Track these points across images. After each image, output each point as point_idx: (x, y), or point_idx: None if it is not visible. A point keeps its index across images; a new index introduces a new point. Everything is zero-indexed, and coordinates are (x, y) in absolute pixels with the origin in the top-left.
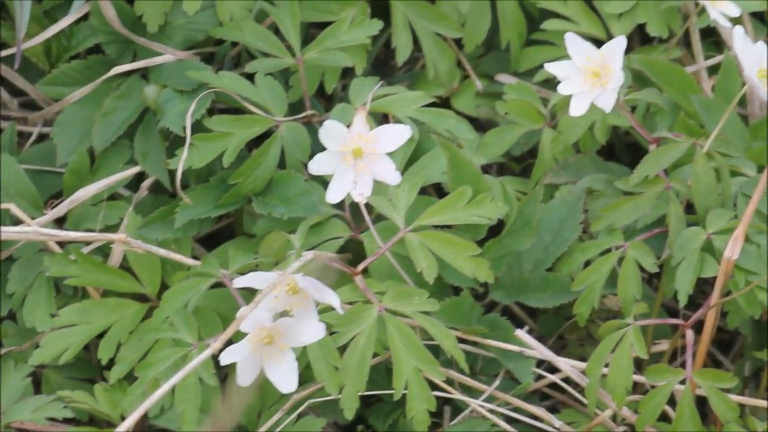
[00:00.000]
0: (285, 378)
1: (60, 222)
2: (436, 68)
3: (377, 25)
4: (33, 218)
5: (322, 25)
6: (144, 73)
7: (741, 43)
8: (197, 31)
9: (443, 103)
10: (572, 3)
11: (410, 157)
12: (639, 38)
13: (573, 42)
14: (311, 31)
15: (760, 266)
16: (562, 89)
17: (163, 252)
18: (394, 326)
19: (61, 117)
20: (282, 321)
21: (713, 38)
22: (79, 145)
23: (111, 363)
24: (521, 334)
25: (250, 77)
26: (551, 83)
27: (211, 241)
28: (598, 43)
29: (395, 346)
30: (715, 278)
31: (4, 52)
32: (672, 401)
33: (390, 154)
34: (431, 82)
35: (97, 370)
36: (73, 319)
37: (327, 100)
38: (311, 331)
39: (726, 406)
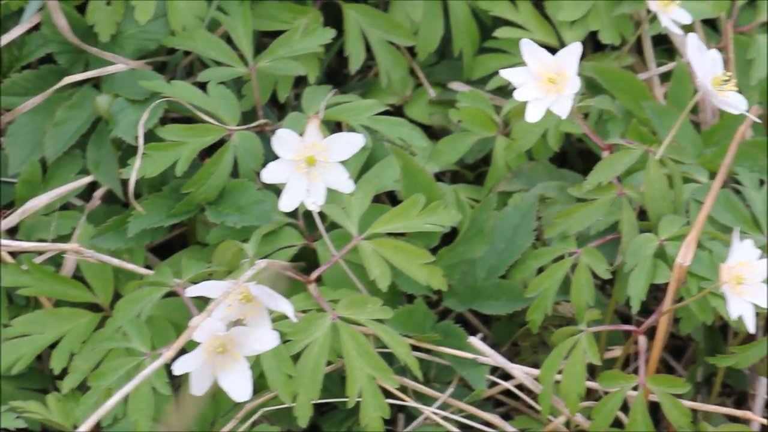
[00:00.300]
0: (238, 386)
1: (12, 232)
2: (389, 76)
3: (330, 33)
4: None
5: (275, 34)
6: (96, 83)
7: (695, 50)
8: (149, 40)
9: (396, 111)
10: (525, 11)
11: (363, 166)
12: (591, 45)
13: (528, 48)
14: (264, 39)
15: (713, 272)
16: (518, 96)
17: (115, 261)
18: (348, 334)
19: (12, 127)
20: (235, 330)
21: (665, 45)
22: (31, 155)
23: (64, 373)
24: (475, 341)
25: (203, 86)
26: (504, 91)
27: (164, 250)
28: (551, 50)
29: (349, 354)
30: (667, 284)
31: None
32: (625, 407)
33: (343, 163)
34: (384, 91)
35: (50, 380)
36: (25, 329)
37: (280, 108)
38: (264, 340)
39: (678, 411)
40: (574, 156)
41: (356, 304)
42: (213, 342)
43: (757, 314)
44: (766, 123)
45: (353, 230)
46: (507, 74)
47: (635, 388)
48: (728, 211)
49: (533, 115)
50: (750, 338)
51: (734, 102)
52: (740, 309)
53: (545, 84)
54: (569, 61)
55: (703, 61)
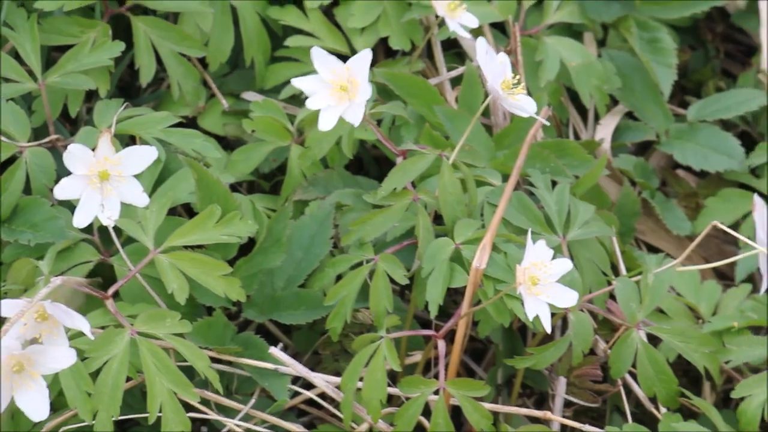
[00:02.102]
0: (36, 406)
1: None
2: (181, 88)
3: (119, 46)
4: None
5: (64, 49)
6: None
7: (483, 54)
8: None
9: (190, 122)
10: (315, 19)
11: (158, 178)
12: (383, 51)
13: (319, 56)
14: (53, 54)
15: (508, 274)
16: (310, 104)
17: None
18: (147, 349)
19: None
20: (31, 348)
21: (456, 49)
22: None
23: None
24: (275, 351)
25: None
26: (297, 99)
27: None
28: (342, 58)
29: (148, 369)
30: (464, 288)
31: None
32: (427, 411)
33: (137, 176)
34: (177, 102)
35: None
36: None
37: (72, 123)
38: (61, 358)
39: (479, 414)
40: (370, 162)
41: (155, 318)
42: (8, 361)
43: (554, 314)
44: (556, 124)
45: (149, 244)
46: (299, 83)
47: (436, 393)
48: (522, 213)
49: (326, 123)
50: (548, 338)
51: (524, 105)
52: (536, 309)
53: (337, 92)
54: (359, 69)
55: (492, 65)
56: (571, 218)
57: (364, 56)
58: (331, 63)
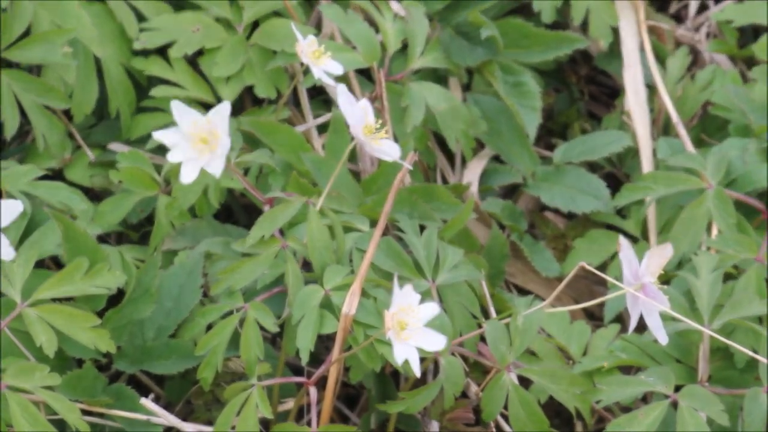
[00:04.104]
0: None
1: None
2: (46, 140)
3: None
4: None
5: None
6: None
7: (345, 100)
8: None
9: (56, 175)
10: (179, 69)
11: (24, 232)
12: (249, 100)
13: (178, 109)
14: None
15: (378, 319)
16: (172, 157)
17: None
18: (17, 403)
19: None
20: None
21: (322, 96)
22: None
23: None
24: (146, 402)
25: None
26: (164, 149)
27: None
28: (208, 107)
29: (18, 423)
30: (335, 334)
31: None
32: None
33: (3, 230)
34: (42, 155)
35: None
36: None
37: None
38: None
39: None
40: (239, 211)
41: (24, 372)
42: None
43: (425, 358)
44: (424, 169)
45: (17, 297)
46: (159, 136)
47: None
48: (391, 259)
49: (187, 175)
50: (420, 383)
51: (387, 149)
52: (405, 354)
53: (198, 144)
54: (219, 121)
55: (354, 111)
56: (440, 262)
57: (224, 108)
58: (191, 115)
